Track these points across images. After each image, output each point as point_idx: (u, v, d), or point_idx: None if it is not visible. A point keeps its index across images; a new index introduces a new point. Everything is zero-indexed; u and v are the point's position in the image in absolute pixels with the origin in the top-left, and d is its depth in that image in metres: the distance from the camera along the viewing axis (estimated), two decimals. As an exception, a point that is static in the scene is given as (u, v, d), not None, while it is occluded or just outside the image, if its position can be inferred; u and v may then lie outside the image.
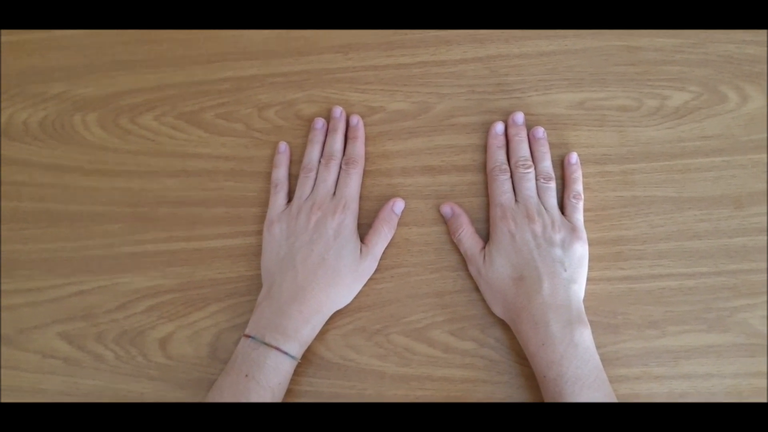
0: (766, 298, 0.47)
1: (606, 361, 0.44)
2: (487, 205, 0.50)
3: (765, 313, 0.47)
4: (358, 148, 0.50)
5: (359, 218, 0.49)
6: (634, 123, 0.51)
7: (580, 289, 0.45)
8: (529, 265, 0.45)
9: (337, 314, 0.48)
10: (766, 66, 0.51)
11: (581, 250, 0.46)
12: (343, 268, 0.46)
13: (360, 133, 0.51)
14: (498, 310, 0.46)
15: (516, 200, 0.47)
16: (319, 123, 0.52)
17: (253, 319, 0.45)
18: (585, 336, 0.42)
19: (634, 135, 0.50)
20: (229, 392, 0.42)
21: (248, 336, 0.44)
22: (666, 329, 0.47)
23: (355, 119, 0.52)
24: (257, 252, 0.50)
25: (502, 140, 0.50)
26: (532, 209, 0.46)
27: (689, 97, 0.51)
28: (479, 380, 0.47)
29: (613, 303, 0.48)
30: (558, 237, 0.46)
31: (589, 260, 0.47)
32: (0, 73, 0.56)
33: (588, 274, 0.47)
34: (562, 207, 0.48)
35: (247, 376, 0.42)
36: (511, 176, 0.49)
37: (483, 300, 0.48)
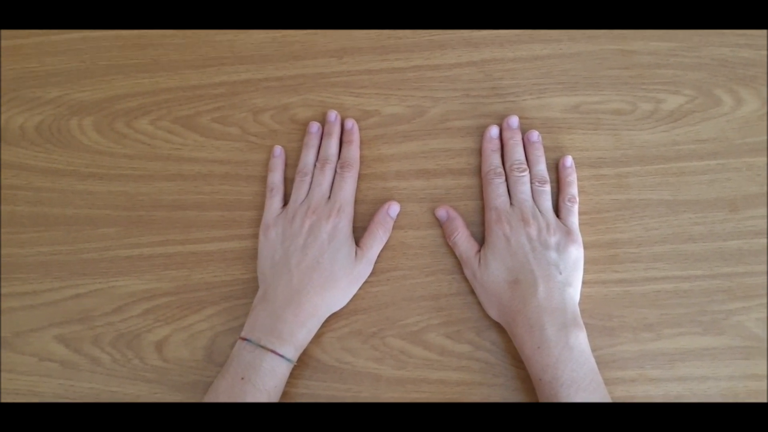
0: (761, 301, 0.47)
1: (601, 363, 0.44)
2: (482, 209, 0.50)
3: (759, 316, 0.47)
4: (353, 151, 0.50)
5: (354, 222, 0.49)
6: (628, 126, 0.51)
7: (575, 292, 0.45)
8: (524, 269, 0.45)
9: (333, 317, 0.48)
10: (761, 69, 0.51)
11: (576, 253, 0.46)
12: (338, 272, 0.46)
13: (355, 137, 0.51)
14: (493, 313, 0.47)
15: (511, 203, 0.48)
16: (314, 127, 0.52)
17: (248, 322, 0.46)
18: (580, 339, 0.42)
19: (629, 138, 0.50)
20: (225, 395, 0.42)
21: (244, 339, 0.44)
22: (661, 332, 0.47)
23: (350, 123, 0.52)
24: (253, 255, 0.50)
25: (496, 144, 0.50)
26: (527, 212, 0.46)
27: (683, 101, 0.51)
28: (475, 383, 0.47)
29: (609, 306, 0.48)
30: (553, 240, 0.46)
31: (584, 263, 0.47)
32: (-3, 78, 0.56)
33: (583, 277, 0.47)
34: (557, 210, 0.48)
35: (243, 379, 0.43)
36: (506, 180, 0.49)
37: (478, 303, 0.48)
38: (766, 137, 0.50)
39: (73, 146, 0.54)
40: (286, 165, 0.52)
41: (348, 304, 0.48)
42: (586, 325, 0.44)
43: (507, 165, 0.49)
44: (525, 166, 0.49)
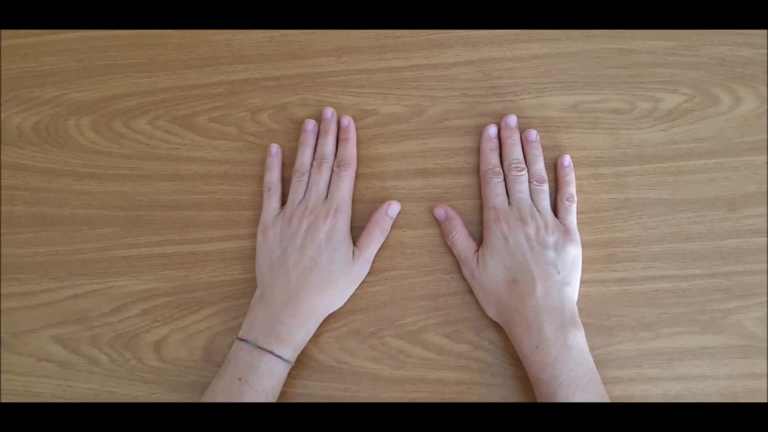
0: (760, 300, 0.47)
1: (600, 363, 0.44)
2: (481, 208, 0.50)
3: (758, 315, 0.47)
4: (350, 149, 0.50)
5: (353, 221, 0.49)
6: (626, 125, 0.51)
7: (573, 291, 0.45)
8: (522, 268, 0.45)
9: (331, 317, 0.48)
10: (760, 67, 0.51)
11: (574, 252, 0.46)
12: (336, 272, 0.46)
13: (351, 135, 0.51)
14: (492, 313, 0.47)
15: (509, 203, 0.48)
16: (310, 125, 0.52)
17: (246, 323, 0.45)
18: (578, 338, 0.42)
19: (627, 137, 0.50)
20: (222, 395, 0.42)
21: (242, 339, 0.44)
22: (660, 331, 0.47)
23: (346, 120, 0.52)
24: (251, 255, 0.50)
25: (495, 143, 0.50)
26: (525, 212, 0.46)
27: (682, 100, 0.51)
28: (473, 382, 0.47)
29: (607, 305, 0.48)
30: (551, 239, 0.46)
31: (583, 262, 0.47)
32: (-6, 78, 0.56)
33: (581, 276, 0.47)
34: (555, 209, 0.48)
35: (240, 379, 0.43)
36: (504, 179, 0.49)
37: (477, 302, 0.48)
38: (764, 136, 0.50)
39: (71, 146, 0.54)
40: (283, 164, 0.52)
41: (346, 304, 0.48)
42: (585, 324, 0.44)
43: (505, 164, 0.49)
44: (523, 166, 0.49)
